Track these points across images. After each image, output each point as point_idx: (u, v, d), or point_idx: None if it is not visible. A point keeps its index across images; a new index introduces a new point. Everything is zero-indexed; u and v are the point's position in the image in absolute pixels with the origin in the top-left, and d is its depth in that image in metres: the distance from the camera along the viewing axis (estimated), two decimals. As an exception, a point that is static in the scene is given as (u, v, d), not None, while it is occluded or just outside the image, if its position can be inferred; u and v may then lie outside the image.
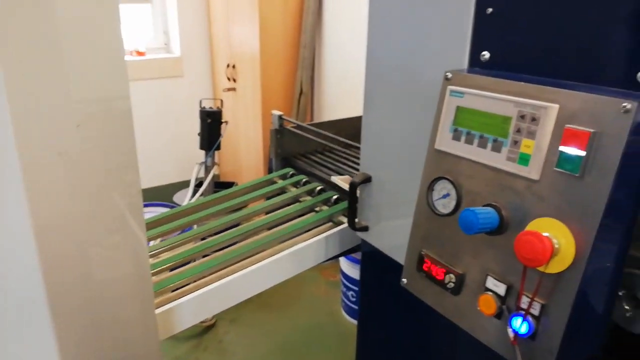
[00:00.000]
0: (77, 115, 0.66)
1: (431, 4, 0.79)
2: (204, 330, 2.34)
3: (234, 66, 2.96)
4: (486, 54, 0.73)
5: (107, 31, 0.65)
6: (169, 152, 3.23)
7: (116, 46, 0.66)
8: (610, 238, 0.58)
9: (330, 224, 1.22)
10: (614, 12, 0.58)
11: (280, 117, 1.48)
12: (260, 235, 1.16)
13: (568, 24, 0.63)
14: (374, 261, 1.06)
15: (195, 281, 1.03)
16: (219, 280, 1.02)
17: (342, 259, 2.34)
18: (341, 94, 2.76)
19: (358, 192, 1.02)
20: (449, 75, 0.72)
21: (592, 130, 0.55)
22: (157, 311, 0.91)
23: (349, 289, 2.32)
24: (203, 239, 1.17)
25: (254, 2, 2.62)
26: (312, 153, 1.60)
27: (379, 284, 1.07)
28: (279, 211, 1.25)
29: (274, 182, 1.41)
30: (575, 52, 0.63)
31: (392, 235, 0.96)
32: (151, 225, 1.22)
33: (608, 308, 0.65)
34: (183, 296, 0.97)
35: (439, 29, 0.79)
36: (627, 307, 0.67)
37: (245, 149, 3.01)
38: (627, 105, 0.53)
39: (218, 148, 2.55)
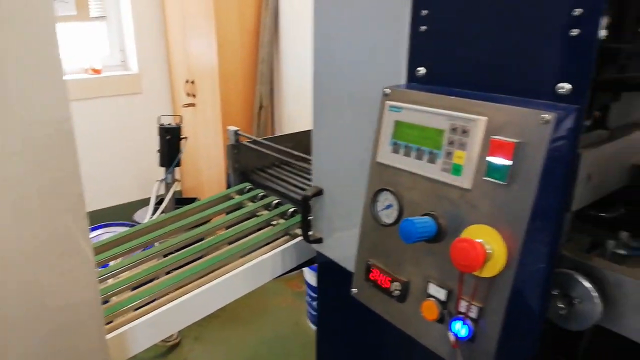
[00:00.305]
0: (17, 139, 0.65)
1: (370, 22, 0.82)
2: (169, 350, 2.30)
3: (192, 82, 2.95)
4: (422, 70, 0.76)
5: (45, 53, 0.65)
6: (128, 169, 3.17)
7: (54, 68, 0.65)
8: (538, 241, 0.62)
9: (287, 237, 1.23)
10: (534, 30, 0.62)
11: (236, 132, 1.49)
12: (216, 252, 1.16)
13: (494, 41, 0.67)
14: (329, 272, 1.08)
15: (153, 300, 1.02)
16: (175, 299, 1.01)
17: (306, 270, 2.35)
18: (301, 108, 2.79)
19: (312, 205, 1.04)
20: (387, 91, 0.75)
21: (516, 141, 0.59)
22: (110, 335, 0.90)
23: (313, 299, 2.33)
24: (165, 256, 1.17)
25: (210, 18, 2.62)
26: (269, 167, 1.61)
27: (335, 294, 1.09)
28: (236, 227, 1.25)
29: (232, 198, 1.41)
30: (501, 67, 0.66)
31: (345, 246, 0.98)
32: (111, 245, 1.20)
33: (543, 308, 0.68)
34: (140, 317, 0.96)
35: (379, 47, 0.82)
36: (561, 306, 0.71)
37: (207, 165, 2.99)
38: (546, 116, 0.56)
39: (178, 164, 2.53)
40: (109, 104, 3.04)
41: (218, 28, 2.64)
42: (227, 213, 1.34)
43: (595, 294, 0.68)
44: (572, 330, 0.72)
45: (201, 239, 1.22)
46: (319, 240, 1.05)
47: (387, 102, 0.74)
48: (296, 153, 1.46)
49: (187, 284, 1.06)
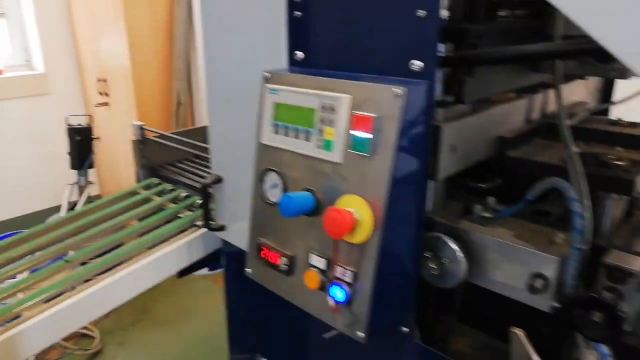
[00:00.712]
0: None
1: (252, 10, 0.85)
2: (90, 357, 2.22)
3: (105, 80, 2.84)
4: (300, 54, 0.80)
5: None
6: (40, 175, 3.00)
7: None
8: (402, 207, 0.67)
9: (194, 228, 1.23)
10: (388, 13, 0.67)
11: (140, 127, 1.46)
12: (119, 249, 1.14)
13: (358, 26, 0.71)
14: (234, 258, 1.09)
15: (54, 297, 0.99)
16: (75, 296, 0.99)
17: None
18: (220, 103, 2.77)
19: (214, 193, 1.05)
20: (267, 74, 0.78)
21: (374, 115, 0.63)
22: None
23: (239, 295, 2.33)
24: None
25: (120, 14, 2.54)
26: (180, 161, 1.59)
27: (240, 278, 1.10)
28: (142, 222, 1.24)
29: (138, 193, 1.39)
30: (365, 50, 0.71)
31: (246, 231, 1.00)
32: (10, 245, 1.15)
33: (413, 269, 0.74)
34: (38, 315, 0.93)
35: (260, 33, 0.85)
36: (433, 266, 0.77)
37: (125, 165, 2.90)
38: (397, 90, 0.62)
39: (91, 166, 2.43)
40: (13, 106, 2.86)
41: (128, 24, 2.56)
42: (132, 209, 1.31)
43: (460, 254, 0.75)
44: (444, 287, 0.78)
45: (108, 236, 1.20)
46: (221, 228, 1.07)
47: (267, 85, 0.77)
48: (203, 145, 1.46)
49: (89, 280, 1.04)
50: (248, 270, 0.85)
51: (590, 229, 0.68)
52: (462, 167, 0.81)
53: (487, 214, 0.81)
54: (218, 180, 1.03)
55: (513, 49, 0.72)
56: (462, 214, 0.83)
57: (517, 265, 0.73)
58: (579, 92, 1.15)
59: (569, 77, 1.10)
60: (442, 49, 0.73)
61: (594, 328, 0.67)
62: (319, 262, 0.72)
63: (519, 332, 0.63)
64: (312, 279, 0.72)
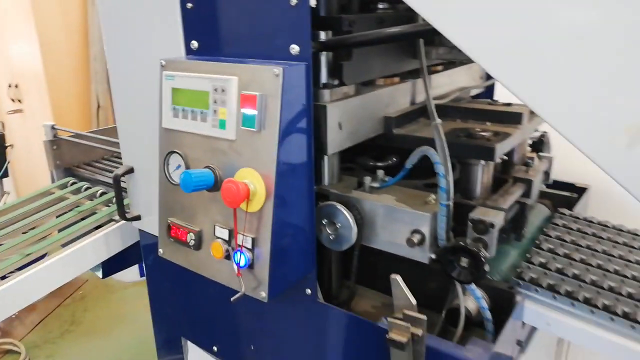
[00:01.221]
0: None
1: (149, 4, 0.89)
2: (14, 372, 2.14)
3: (16, 86, 2.73)
4: (195, 43, 0.85)
5: None
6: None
7: None
8: (292, 178, 0.75)
9: (112, 222, 1.25)
10: (267, 2, 0.75)
11: (52, 127, 1.45)
12: (36, 245, 1.14)
13: (243, 15, 0.78)
14: (152, 247, 1.13)
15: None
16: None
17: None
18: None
19: (127, 184, 1.08)
20: (163, 62, 0.83)
21: (258, 94, 0.71)
22: None
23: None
24: None
25: (29, 17, 2.46)
26: (98, 160, 1.59)
27: (156, 261, 1.14)
28: (56, 219, 1.24)
29: (52, 193, 1.38)
30: (252, 36, 0.78)
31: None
32: None
33: (309, 234, 0.82)
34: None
35: (159, 27, 0.89)
36: (329, 232, 0.86)
37: (42, 171, 2.79)
38: (276, 70, 0.69)
39: (6, 175, 2.33)
40: None
41: (39, 27, 2.48)
42: (47, 208, 1.31)
43: (352, 219, 0.84)
44: (340, 250, 0.87)
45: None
46: (137, 218, 1.10)
47: (164, 72, 0.82)
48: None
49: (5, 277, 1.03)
50: (160, 251, 0.89)
51: (452, 188, 0.79)
52: (352, 143, 0.90)
53: (375, 184, 0.91)
54: (129, 170, 1.06)
55: (374, 32, 0.81)
56: (357, 186, 0.93)
57: (399, 224, 0.83)
58: (464, 77, 1.29)
59: (451, 64, 1.23)
60: (322, 36, 0.82)
61: (462, 272, 0.78)
62: (222, 233, 0.78)
63: (396, 277, 0.72)
64: (217, 249, 0.78)
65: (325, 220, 0.86)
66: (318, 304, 0.86)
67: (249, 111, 0.71)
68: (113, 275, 1.27)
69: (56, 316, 2.60)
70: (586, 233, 1.06)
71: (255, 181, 0.73)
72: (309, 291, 0.86)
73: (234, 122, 0.74)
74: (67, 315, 2.62)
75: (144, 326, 2.54)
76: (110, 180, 1.41)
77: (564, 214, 1.16)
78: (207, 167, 0.78)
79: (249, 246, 0.75)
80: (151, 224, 1.09)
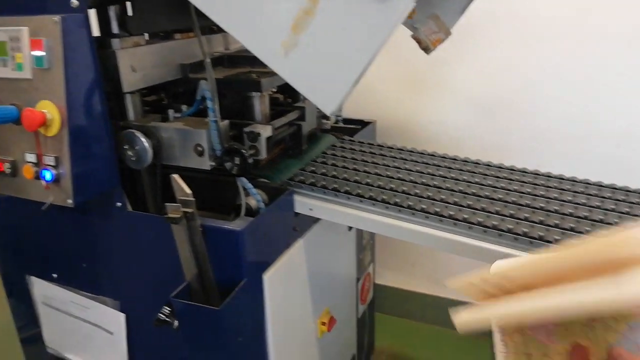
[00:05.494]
0: None
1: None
2: None
3: None
4: (-4, 4, 1.00)
5: None
6: None
7: None
8: (82, 106, 0.94)
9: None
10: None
11: None
12: None
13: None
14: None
15: None
16: None
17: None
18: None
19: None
20: (-35, 20, 0.97)
21: (44, 39, 0.89)
22: None
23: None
24: None
25: None
26: None
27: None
28: None
29: None
30: (42, -5, 0.96)
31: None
32: None
33: (109, 155, 1.02)
34: None
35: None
36: (130, 154, 1.07)
37: None
38: (55, 19, 0.88)
39: None
40: None
41: None
42: None
43: (147, 143, 1.06)
44: (140, 168, 1.08)
45: None
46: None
47: (-34, 28, 0.96)
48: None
49: None
50: (-16, 185, 1.04)
51: (218, 109, 1.04)
52: (146, 84, 1.12)
53: (177, 115, 1.14)
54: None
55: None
56: (162, 120, 1.15)
57: (187, 142, 1.06)
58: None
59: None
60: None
61: (234, 167, 1.04)
62: (31, 157, 0.96)
63: (174, 175, 0.95)
64: (28, 171, 0.96)
65: (127, 145, 1.06)
66: (128, 213, 1.07)
67: (39, 53, 0.90)
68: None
69: None
70: (354, 149, 1.38)
71: (52, 110, 0.91)
72: (119, 204, 1.07)
73: (29, 63, 0.92)
74: None
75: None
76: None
77: (345, 139, 1.48)
78: (12, 104, 0.95)
79: (53, 164, 0.94)
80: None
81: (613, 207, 1.05)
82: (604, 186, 1.16)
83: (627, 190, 1.14)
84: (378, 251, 1.90)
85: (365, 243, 1.70)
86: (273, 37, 0.78)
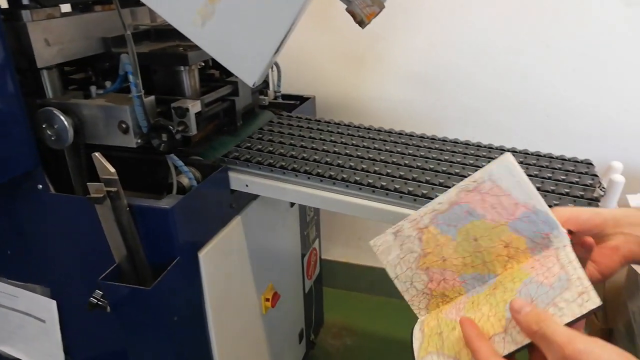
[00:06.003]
0: None
1: None
2: None
3: None
4: None
5: None
6: None
7: None
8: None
9: None
10: None
11: None
12: None
13: None
14: None
15: None
16: None
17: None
18: None
19: None
20: None
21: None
22: None
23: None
24: None
25: None
26: None
27: None
28: None
29: None
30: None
31: None
32: None
33: (26, 135, 0.96)
34: None
35: None
36: (50, 134, 1.01)
37: None
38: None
39: None
40: None
41: None
42: None
43: (67, 122, 1.00)
44: (61, 148, 1.03)
45: None
46: None
47: None
48: None
49: None
50: None
51: (140, 83, 0.99)
52: (64, 59, 1.05)
53: (99, 92, 1.09)
54: None
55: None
56: (85, 97, 1.09)
57: (110, 119, 1.02)
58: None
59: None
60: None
61: (162, 143, 1.01)
62: None
63: (96, 153, 0.91)
64: None
65: (45, 124, 1.01)
66: (50, 195, 1.02)
67: None
68: None
69: None
70: (292, 125, 1.37)
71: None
72: (40, 186, 1.02)
73: None
74: None
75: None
76: None
77: (283, 115, 1.47)
78: None
79: (-39, 145, 0.88)
80: None
81: (537, 172, 1.09)
82: (529, 154, 1.21)
83: (543, 156, 1.19)
84: (324, 227, 1.91)
85: (309, 219, 1.71)
86: (188, 6, 0.75)
